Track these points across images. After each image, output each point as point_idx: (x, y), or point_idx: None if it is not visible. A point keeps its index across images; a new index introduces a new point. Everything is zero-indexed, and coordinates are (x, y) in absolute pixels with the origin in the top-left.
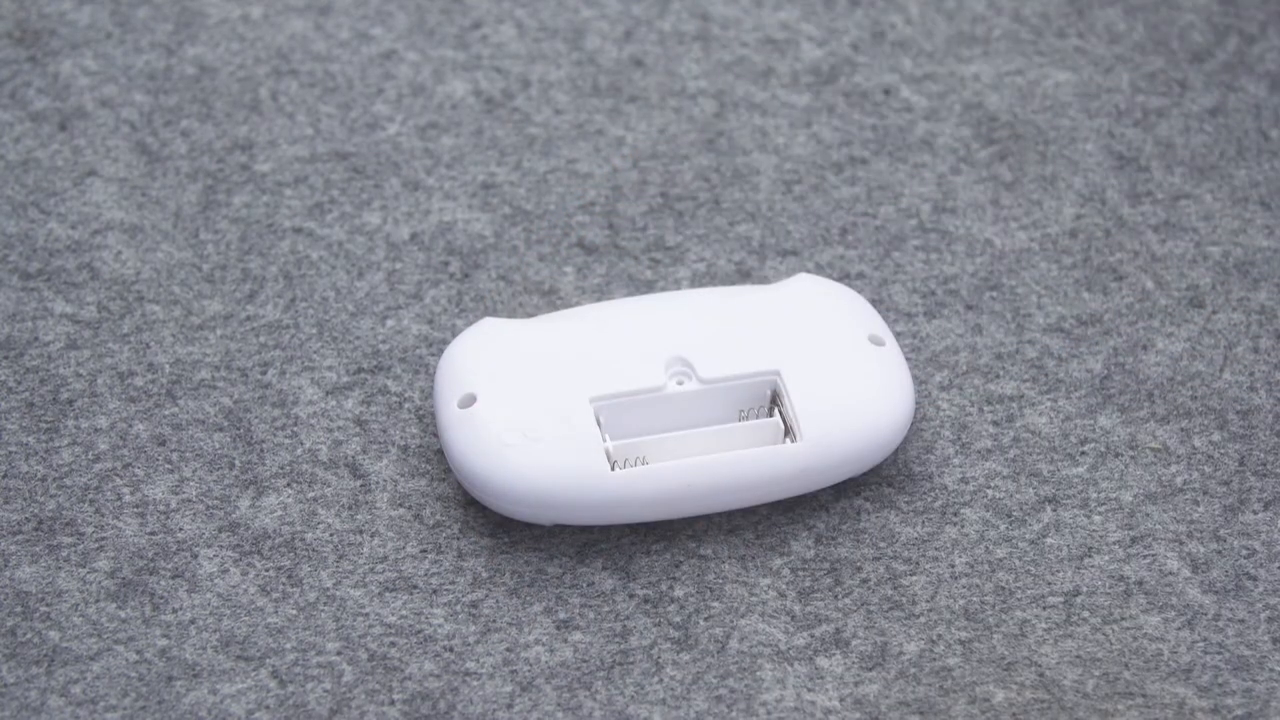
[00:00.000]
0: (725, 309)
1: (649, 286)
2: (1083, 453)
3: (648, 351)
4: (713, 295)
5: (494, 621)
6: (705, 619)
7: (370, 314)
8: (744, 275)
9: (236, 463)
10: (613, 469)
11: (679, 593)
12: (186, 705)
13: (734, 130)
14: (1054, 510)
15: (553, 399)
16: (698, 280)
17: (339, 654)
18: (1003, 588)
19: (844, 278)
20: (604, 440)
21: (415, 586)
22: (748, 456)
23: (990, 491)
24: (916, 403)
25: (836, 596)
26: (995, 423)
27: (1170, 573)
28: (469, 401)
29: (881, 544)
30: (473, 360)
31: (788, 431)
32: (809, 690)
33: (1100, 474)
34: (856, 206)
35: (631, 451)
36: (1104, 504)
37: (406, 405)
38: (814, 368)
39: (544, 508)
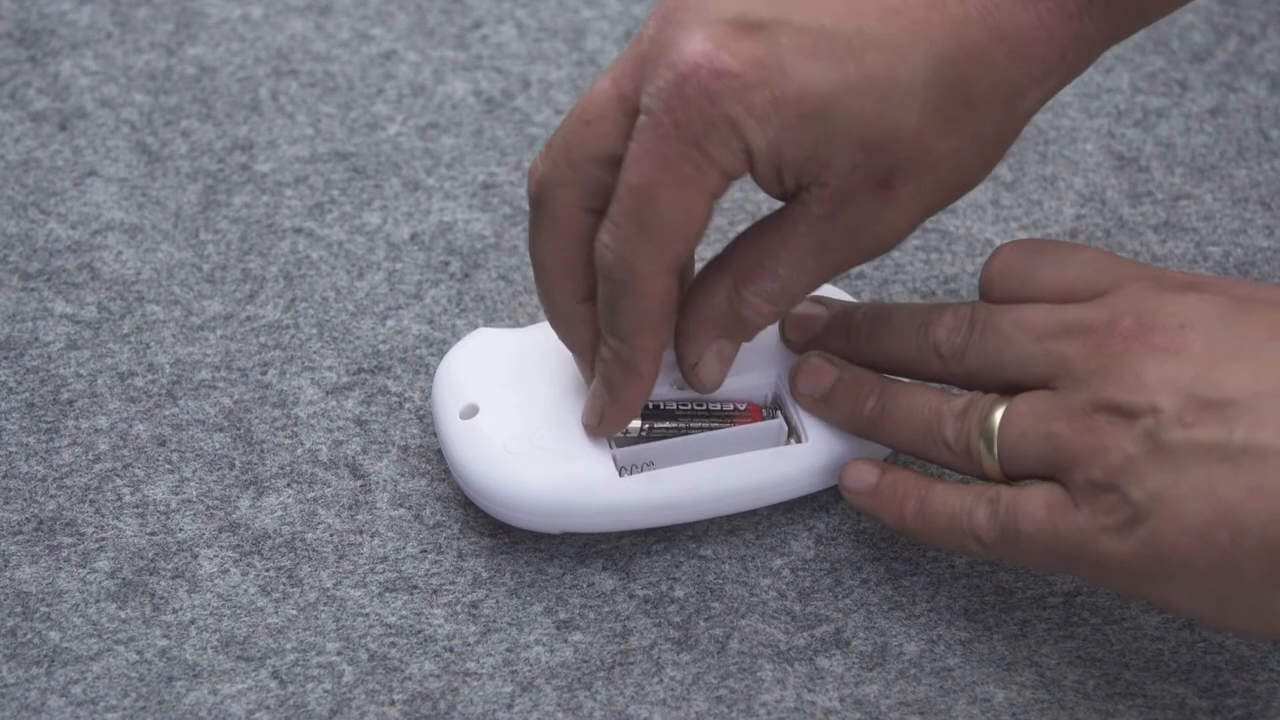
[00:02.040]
0: None
1: None
2: None
3: None
4: None
5: (494, 622)
6: (705, 619)
7: (370, 314)
8: None
9: (236, 463)
10: (620, 475)
11: (679, 593)
12: (186, 705)
13: None
14: None
15: (554, 407)
16: None
17: (339, 654)
18: (1003, 588)
19: (844, 278)
20: (610, 446)
21: (415, 587)
22: (756, 458)
23: None
24: None
25: (837, 596)
26: None
27: None
28: (471, 412)
29: (882, 544)
30: (471, 371)
31: (792, 433)
32: (809, 690)
33: None
34: None
35: (638, 457)
36: None
37: (406, 405)
38: None
39: (553, 516)
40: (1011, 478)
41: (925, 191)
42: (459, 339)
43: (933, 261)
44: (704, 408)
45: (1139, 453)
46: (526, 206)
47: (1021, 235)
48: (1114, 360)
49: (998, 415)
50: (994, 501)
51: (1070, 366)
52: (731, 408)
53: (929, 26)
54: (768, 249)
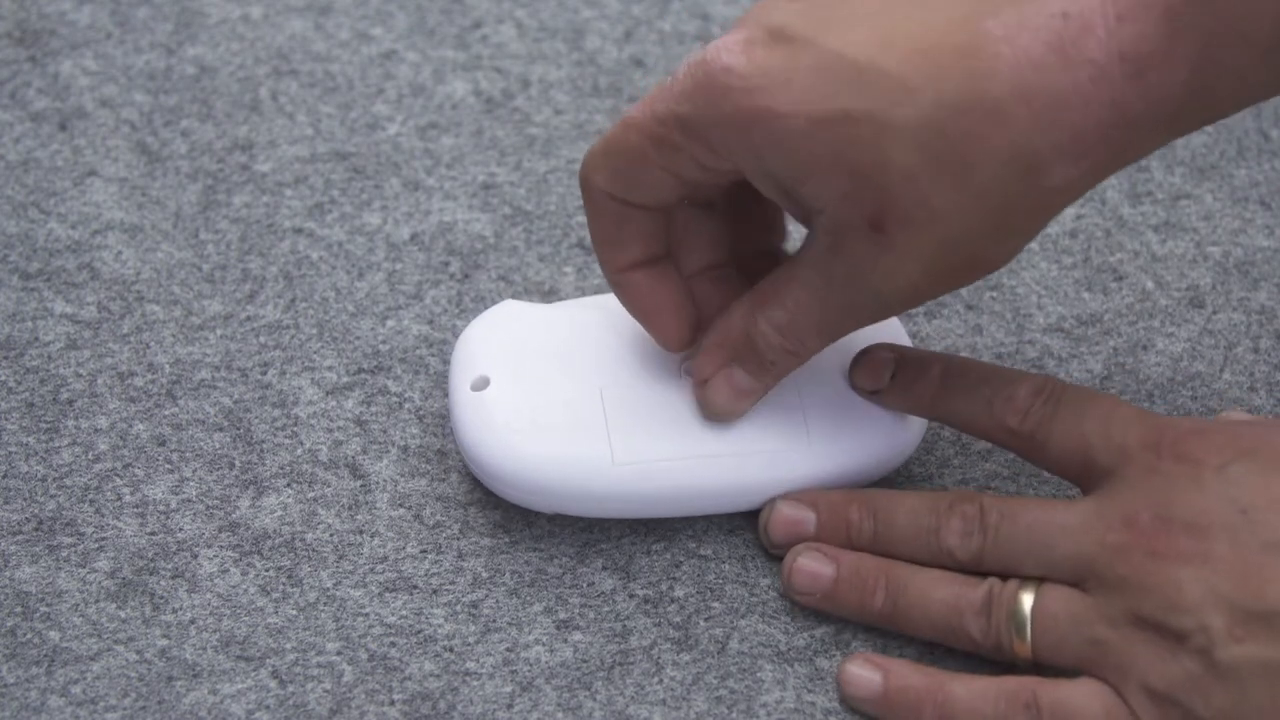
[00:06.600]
0: None
1: None
2: None
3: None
4: None
5: (494, 621)
6: (705, 619)
7: (370, 314)
8: None
9: (236, 463)
10: (615, 463)
11: (679, 593)
12: (186, 705)
13: None
14: None
15: (564, 387)
16: None
17: (339, 654)
18: None
19: None
20: (610, 434)
21: (415, 587)
22: (751, 456)
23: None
24: None
25: None
26: None
27: None
28: (482, 384)
29: None
30: (489, 342)
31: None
32: (809, 691)
33: None
34: None
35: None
36: None
37: (406, 405)
38: (826, 368)
39: (545, 495)
40: (1044, 667)
41: (924, 245)
42: (460, 338)
43: None
44: None
45: (1198, 670)
46: (525, 207)
47: None
48: (1143, 571)
49: (1025, 607)
50: (1032, 707)
51: (1096, 571)
52: None
53: (948, 72)
54: (782, 277)
